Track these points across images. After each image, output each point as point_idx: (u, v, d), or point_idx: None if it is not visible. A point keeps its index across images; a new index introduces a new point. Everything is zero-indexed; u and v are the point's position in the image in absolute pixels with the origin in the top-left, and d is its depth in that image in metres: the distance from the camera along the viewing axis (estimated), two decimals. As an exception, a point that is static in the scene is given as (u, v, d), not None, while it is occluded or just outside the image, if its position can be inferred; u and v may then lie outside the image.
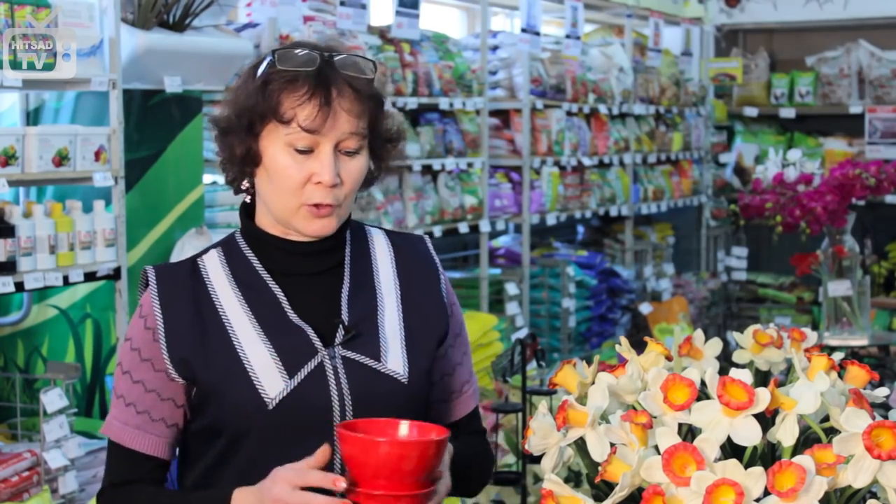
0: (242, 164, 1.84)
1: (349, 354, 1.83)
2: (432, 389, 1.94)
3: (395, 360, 1.85)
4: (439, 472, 1.70)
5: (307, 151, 1.79)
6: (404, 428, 1.72)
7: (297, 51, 1.81)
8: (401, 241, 1.98)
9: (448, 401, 1.98)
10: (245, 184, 1.89)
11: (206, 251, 1.91)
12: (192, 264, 1.89)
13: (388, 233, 1.99)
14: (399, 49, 5.01)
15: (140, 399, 1.84)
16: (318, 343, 1.83)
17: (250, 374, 1.79)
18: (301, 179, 1.79)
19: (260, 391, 1.78)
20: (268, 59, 1.84)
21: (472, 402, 2.00)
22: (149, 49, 3.79)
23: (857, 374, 1.63)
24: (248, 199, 1.90)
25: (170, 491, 1.89)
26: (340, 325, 1.84)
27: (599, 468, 1.49)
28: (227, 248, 1.90)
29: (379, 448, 1.61)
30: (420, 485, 1.64)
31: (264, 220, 1.88)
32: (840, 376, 1.62)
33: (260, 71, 1.84)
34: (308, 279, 1.87)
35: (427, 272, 1.96)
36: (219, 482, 1.82)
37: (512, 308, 5.83)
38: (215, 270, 1.88)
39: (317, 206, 1.80)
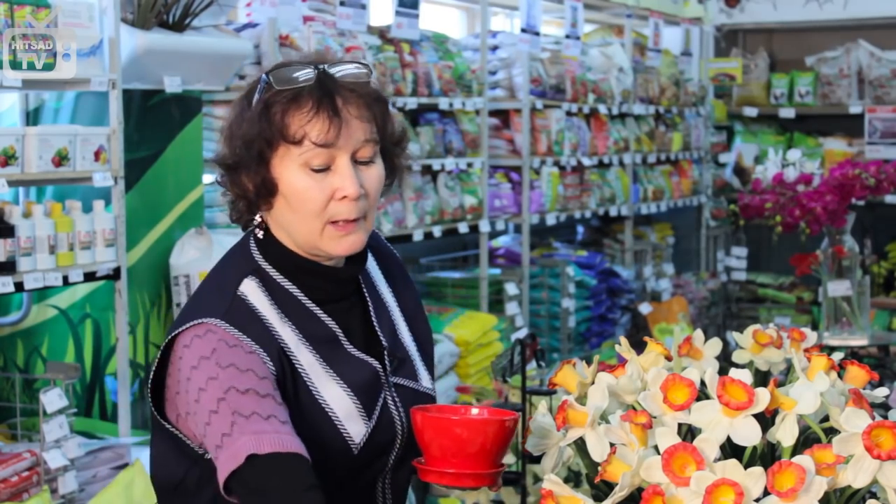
0: (258, 197, 1.73)
1: (397, 380, 1.82)
2: None
3: (424, 375, 1.86)
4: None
5: (324, 169, 1.70)
6: (475, 410, 1.74)
7: (290, 68, 1.72)
8: (371, 245, 1.88)
9: None
10: (257, 218, 1.77)
11: (239, 281, 1.75)
12: (240, 302, 1.72)
13: None
14: (399, 49, 5.01)
15: (276, 410, 1.64)
16: (383, 376, 1.80)
17: (334, 420, 1.72)
18: (324, 199, 1.70)
19: (346, 437, 1.73)
20: (261, 82, 1.72)
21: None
22: (149, 49, 3.79)
23: (857, 374, 1.63)
24: (260, 235, 1.78)
25: None
26: (385, 353, 1.80)
27: (599, 468, 1.49)
28: (261, 277, 1.76)
29: (453, 427, 1.64)
30: (490, 464, 1.67)
31: (291, 245, 1.77)
32: (840, 376, 1.62)
33: (256, 97, 1.73)
34: (345, 305, 1.80)
35: (402, 273, 1.93)
36: None
37: (512, 308, 5.83)
38: (260, 302, 1.74)
39: (344, 222, 1.71)
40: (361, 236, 1.74)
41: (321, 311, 1.76)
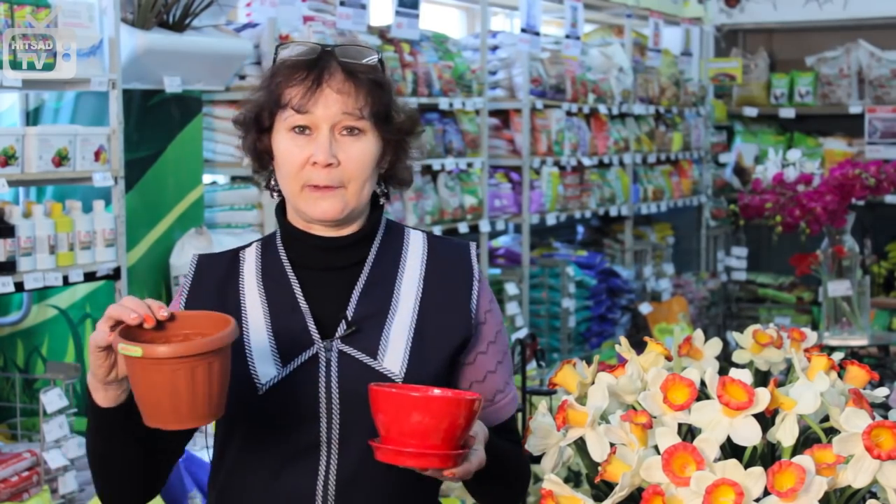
0: (261, 160, 1.91)
1: (345, 349, 1.85)
2: None
3: (392, 359, 1.85)
4: (471, 439, 1.70)
5: (306, 134, 1.84)
6: (437, 391, 1.73)
7: (298, 45, 1.89)
8: (439, 246, 1.98)
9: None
10: (272, 182, 1.95)
11: (251, 244, 1.98)
12: (234, 255, 1.97)
13: (430, 236, 2.00)
14: (399, 49, 5.01)
15: None
16: (315, 334, 1.85)
17: (248, 359, 1.84)
18: (301, 161, 1.83)
19: (253, 375, 1.83)
20: (274, 53, 1.92)
21: (504, 413, 1.97)
22: (149, 49, 3.79)
23: (857, 374, 1.63)
24: (275, 196, 1.97)
25: None
26: (343, 320, 1.86)
27: (599, 468, 1.49)
28: (266, 242, 1.97)
29: (412, 404, 1.62)
30: (450, 445, 1.64)
31: (293, 217, 1.93)
32: (840, 376, 1.62)
33: (269, 68, 1.92)
34: (327, 274, 1.91)
35: (460, 281, 1.94)
36: (223, 463, 1.88)
37: (512, 308, 5.83)
38: (250, 262, 1.95)
39: (319, 187, 1.84)
40: (336, 204, 1.85)
41: (291, 272, 1.91)
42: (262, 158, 1.91)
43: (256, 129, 1.88)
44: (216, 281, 1.93)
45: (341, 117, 1.83)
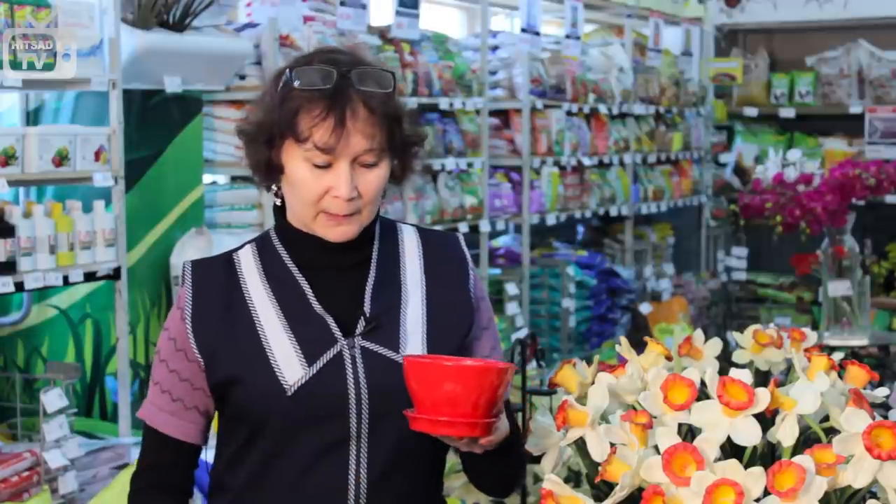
0: (267, 171, 1.91)
1: (368, 345, 1.88)
2: None
3: (413, 350, 1.89)
4: (501, 407, 1.72)
5: (324, 166, 1.83)
6: (469, 361, 1.76)
7: (314, 67, 1.84)
8: (431, 238, 2.03)
9: None
10: (274, 187, 1.94)
11: (242, 246, 1.98)
12: (228, 258, 1.96)
13: (420, 229, 2.04)
14: (399, 49, 5.01)
15: (175, 387, 1.92)
16: (338, 333, 1.88)
17: (271, 361, 1.86)
18: (319, 192, 1.83)
19: (280, 378, 1.84)
20: (285, 75, 1.86)
21: None
22: (149, 49, 3.79)
23: (857, 374, 1.63)
24: (278, 201, 1.96)
25: None
26: (362, 317, 1.89)
27: (599, 468, 1.49)
28: (262, 243, 1.97)
29: (445, 373, 1.65)
30: (483, 413, 1.66)
31: (294, 218, 1.93)
32: (840, 376, 1.63)
33: (280, 86, 1.87)
34: (335, 273, 1.92)
35: (455, 268, 2.00)
36: (243, 467, 1.90)
37: (512, 308, 5.83)
38: (248, 264, 1.94)
39: (336, 215, 1.85)
40: (353, 227, 1.88)
41: (298, 273, 1.92)
42: (272, 173, 1.90)
43: (266, 146, 1.87)
44: (217, 288, 1.92)
45: (363, 154, 1.84)
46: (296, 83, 1.82)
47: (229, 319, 1.89)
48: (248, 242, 1.99)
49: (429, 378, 1.67)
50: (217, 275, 1.93)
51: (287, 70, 1.86)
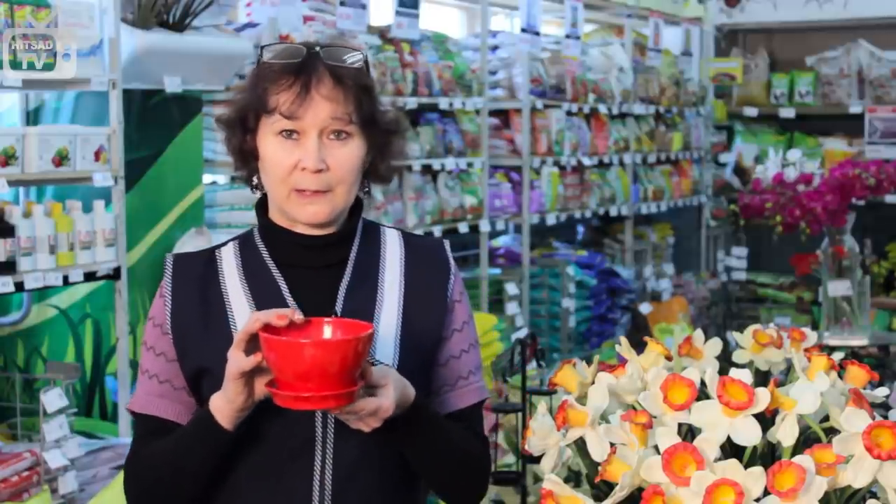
0: (244, 159, 1.93)
1: None
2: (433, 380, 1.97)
3: (383, 352, 1.88)
4: (368, 371, 1.71)
5: (293, 138, 1.85)
6: (327, 329, 1.75)
7: (284, 43, 1.90)
8: (415, 242, 2.02)
9: (439, 393, 1.99)
10: (255, 180, 1.97)
11: (226, 242, 2.00)
12: (211, 254, 1.98)
13: (404, 234, 2.03)
14: (399, 49, 5.01)
15: (163, 369, 1.92)
16: None
17: None
18: (289, 166, 1.85)
19: None
20: (256, 55, 1.92)
21: (462, 400, 1.98)
22: (149, 49, 3.79)
23: (857, 374, 1.63)
24: (258, 194, 1.99)
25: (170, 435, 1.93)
26: (333, 315, 1.87)
27: (599, 468, 1.49)
28: (244, 240, 1.99)
29: (303, 350, 1.64)
30: (347, 383, 1.65)
31: (275, 215, 1.95)
32: (840, 376, 1.62)
33: (255, 66, 1.92)
34: (312, 272, 1.92)
35: (436, 274, 1.98)
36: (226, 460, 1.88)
37: (512, 308, 5.83)
38: (229, 260, 1.96)
39: (303, 191, 1.86)
40: (325, 208, 1.87)
41: (276, 269, 1.92)
42: (246, 158, 1.93)
43: (242, 131, 1.90)
44: (195, 281, 1.94)
45: (330, 122, 1.84)
46: (266, 56, 1.86)
47: (203, 312, 1.91)
48: (233, 239, 2.01)
49: (281, 354, 1.65)
50: (196, 269, 1.95)
51: (260, 48, 1.90)
